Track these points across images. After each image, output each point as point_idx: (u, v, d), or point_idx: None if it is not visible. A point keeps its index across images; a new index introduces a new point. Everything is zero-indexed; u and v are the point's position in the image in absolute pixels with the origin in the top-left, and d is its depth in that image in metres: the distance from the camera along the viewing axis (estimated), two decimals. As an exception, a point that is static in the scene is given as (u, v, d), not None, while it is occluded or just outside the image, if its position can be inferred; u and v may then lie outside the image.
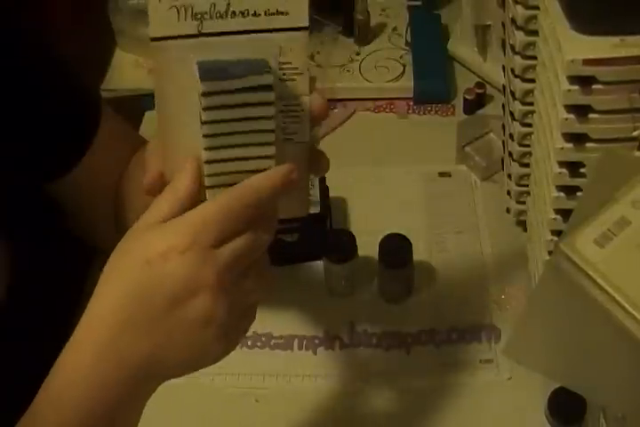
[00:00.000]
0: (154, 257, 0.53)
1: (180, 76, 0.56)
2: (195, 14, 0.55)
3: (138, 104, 1.10)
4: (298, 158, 0.60)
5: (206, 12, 0.55)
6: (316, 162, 0.60)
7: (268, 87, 0.56)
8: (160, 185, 0.58)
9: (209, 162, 0.57)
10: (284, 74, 0.57)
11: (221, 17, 0.55)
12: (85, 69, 0.80)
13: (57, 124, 0.75)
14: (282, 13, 0.56)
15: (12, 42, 0.71)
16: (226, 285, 0.54)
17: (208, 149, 0.57)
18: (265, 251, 0.57)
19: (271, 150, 0.58)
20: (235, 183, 0.57)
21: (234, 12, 0.55)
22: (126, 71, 1.13)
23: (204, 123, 0.56)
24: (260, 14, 0.55)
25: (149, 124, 1.06)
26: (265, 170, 0.58)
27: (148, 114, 1.08)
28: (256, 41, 0.56)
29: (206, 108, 0.55)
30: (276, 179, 0.56)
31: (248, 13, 0.55)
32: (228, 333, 0.56)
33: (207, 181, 0.58)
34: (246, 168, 0.58)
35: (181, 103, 0.56)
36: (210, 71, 0.55)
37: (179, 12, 0.54)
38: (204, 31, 0.55)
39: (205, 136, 0.56)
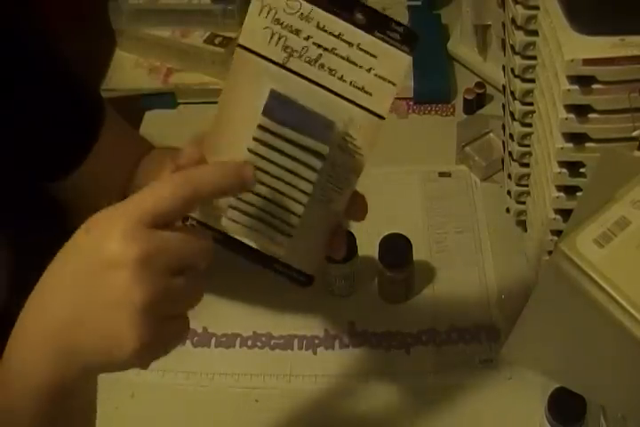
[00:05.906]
0: (92, 226, 0.52)
1: (250, 88, 0.55)
2: (285, 46, 0.54)
3: (138, 104, 1.10)
4: (323, 222, 0.59)
5: (297, 51, 0.54)
6: (353, 206, 0.59)
7: (320, 155, 0.55)
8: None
9: None
10: (346, 145, 0.56)
11: (309, 63, 0.54)
12: (85, 69, 0.80)
13: (60, 125, 0.75)
14: (366, 92, 0.55)
15: (13, 42, 0.71)
16: (150, 267, 0.50)
17: None
18: (207, 263, 0.53)
19: (299, 209, 0.57)
20: (254, 216, 0.57)
21: (322, 65, 0.54)
22: (126, 71, 1.13)
23: (249, 150, 0.56)
24: (345, 81, 0.55)
25: (149, 124, 1.06)
26: (287, 223, 0.57)
27: (148, 114, 1.08)
28: (332, 101, 0.55)
29: (256, 140, 0.56)
30: (228, 173, 0.54)
31: (335, 74, 0.55)
32: (148, 326, 0.50)
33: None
34: (271, 211, 0.57)
35: (241, 109, 0.56)
36: (276, 108, 0.55)
37: (272, 36, 0.54)
38: (288, 66, 0.55)
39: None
